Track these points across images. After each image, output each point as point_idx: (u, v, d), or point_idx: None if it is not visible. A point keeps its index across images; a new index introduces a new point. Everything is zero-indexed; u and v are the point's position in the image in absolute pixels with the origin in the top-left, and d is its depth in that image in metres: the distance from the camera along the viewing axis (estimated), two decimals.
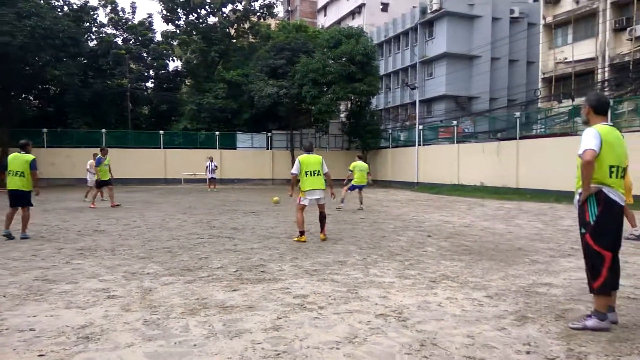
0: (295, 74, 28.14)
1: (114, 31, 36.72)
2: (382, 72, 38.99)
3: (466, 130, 28.83)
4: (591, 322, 3.90)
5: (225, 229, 9.93)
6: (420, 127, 27.79)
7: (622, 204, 3.99)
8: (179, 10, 36.08)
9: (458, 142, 25.15)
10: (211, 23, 36.59)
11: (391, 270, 6.17)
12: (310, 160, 8.30)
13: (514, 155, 20.80)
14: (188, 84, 40.85)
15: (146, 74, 37.52)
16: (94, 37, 35.76)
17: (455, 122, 26.73)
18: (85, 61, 33.66)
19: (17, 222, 8.78)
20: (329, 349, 3.54)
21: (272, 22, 40.57)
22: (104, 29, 36.46)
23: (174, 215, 12.74)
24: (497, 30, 36.54)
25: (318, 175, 8.27)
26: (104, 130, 30.64)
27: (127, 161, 28.29)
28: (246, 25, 37.22)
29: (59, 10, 32.24)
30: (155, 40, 37.76)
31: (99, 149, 16.56)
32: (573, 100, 25.22)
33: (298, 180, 8.45)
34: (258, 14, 36.97)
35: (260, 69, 29.85)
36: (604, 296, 3.92)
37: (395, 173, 29.69)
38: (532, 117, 25.79)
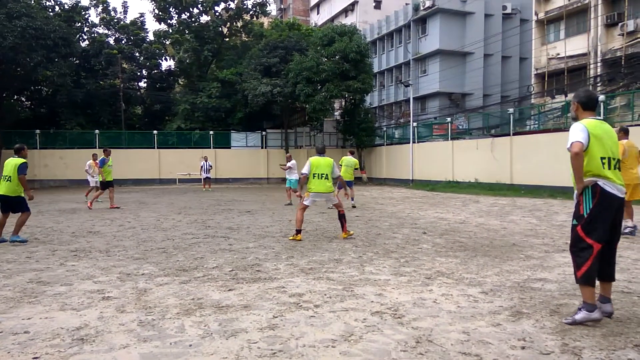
0: (289, 72, 28.11)
1: (106, 31, 36.57)
2: (375, 69, 39.03)
3: (460, 127, 28.96)
4: (580, 315, 3.92)
5: (221, 229, 9.91)
6: (415, 124, 27.84)
7: (621, 196, 3.98)
8: (171, 9, 35.93)
9: (452, 138, 25.22)
10: (204, 22, 36.46)
11: (387, 267, 6.18)
12: (320, 162, 8.38)
13: (507, 151, 20.89)
14: (181, 83, 40.72)
15: (139, 73, 37.36)
16: (85, 37, 35.58)
17: (449, 119, 26.80)
18: (77, 61, 33.50)
19: (10, 226, 8.72)
20: (324, 347, 3.54)
21: (265, 21, 40.47)
22: (96, 29, 36.32)
23: (168, 215, 12.70)
24: (490, 27, 36.63)
25: (325, 178, 8.30)
26: (97, 131, 30.50)
27: (121, 162, 28.06)
28: (239, 24, 37.10)
29: (50, 10, 32.05)
30: (148, 39, 37.63)
31: (101, 150, 16.48)
32: (566, 96, 25.35)
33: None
34: (251, 12, 36.85)
35: (253, 68, 29.78)
36: (588, 286, 3.92)
37: (390, 170, 29.73)
38: (526, 113, 25.93)
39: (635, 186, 8.18)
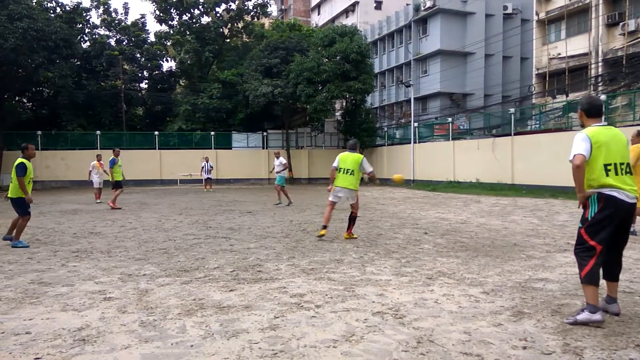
0: (290, 73, 28.12)
1: (107, 32, 36.58)
2: (376, 70, 39.02)
3: (461, 127, 28.93)
4: (582, 316, 3.93)
5: (222, 229, 9.91)
6: (416, 124, 27.84)
7: (630, 201, 3.95)
8: (172, 10, 35.96)
9: (453, 139, 25.21)
10: (205, 23, 36.48)
11: (388, 267, 6.18)
12: (347, 158, 8.45)
13: (509, 151, 20.87)
14: (182, 84, 40.76)
15: (140, 74, 37.37)
16: (86, 38, 35.61)
17: (450, 119, 26.80)
18: (78, 63, 33.53)
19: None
20: (326, 347, 3.54)
21: (266, 22, 40.52)
22: (97, 30, 36.32)
23: (170, 216, 12.71)
24: (491, 27, 36.60)
25: (350, 174, 8.32)
26: (98, 132, 30.54)
27: (122, 163, 27.77)
28: (240, 25, 37.12)
29: (51, 12, 32.11)
30: (149, 40, 37.65)
31: (108, 150, 16.48)
32: (567, 96, 25.34)
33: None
34: (252, 13, 36.89)
35: (254, 69, 29.80)
36: (591, 286, 3.95)
37: (391, 171, 29.63)
38: (527, 113, 25.90)
39: None
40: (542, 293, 4.92)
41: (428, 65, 37.03)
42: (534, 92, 30.07)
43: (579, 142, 3.99)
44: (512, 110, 22.62)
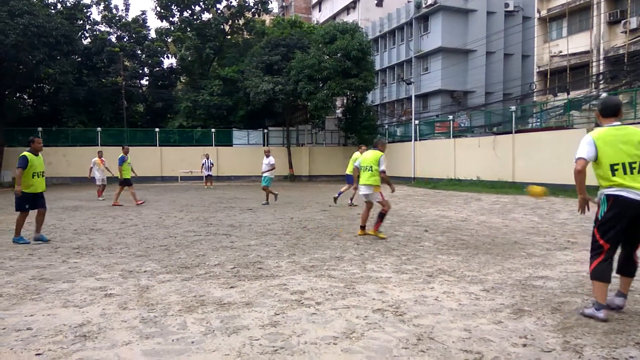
0: (291, 70, 28.08)
1: (108, 29, 36.59)
2: (377, 67, 38.98)
3: (462, 125, 28.86)
4: (588, 310, 4.07)
5: (222, 226, 9.92)
6: (416, 122, 27.80)
7: None
8: (172, 6, 35.91)
9: (454, 136, 25.18)
10: (205, 19, 36.44)
11: (388, 265, 6.19)
12: (367, 155, 8.62)
13: (510, 149, 20.85)
14: (183, 81, 40.72)
15: (141, 71, 37.36)
16: (87, 35, 35.60)
17: (451, 117, 26.75)
18: (79, 59, 33.51)
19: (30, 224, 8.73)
20: (326, 344, 3.55)
21: (267, 18, 40.43)
22: (98, 27, 36.34)
23: (170, 213, 12.72)
24: (492, 24, 36.52)
25: (369, 171, 8.43)
26: (99, 129, 30.54)
27: None
28: (241, 22, 37.08)
29: (52, 8, 32.07)
30: (150, 37, 37.61)
31: (115, 147, 16.48)
32: (568, 94, 25.28)
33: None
34: (252, 10, 36.83)
35: (255, 66, 29.76)
36: (597, 282, 4.06)
37: (392, 168, 29.48)
38: (528, 110, 25.86)
39: None
40: (542, 291, 4.93)
41: (429, 62, 36.97)
42: (535, 90, 30.00)
43: (583, 145, 4.10)
44: (513, 108, 22.57)
